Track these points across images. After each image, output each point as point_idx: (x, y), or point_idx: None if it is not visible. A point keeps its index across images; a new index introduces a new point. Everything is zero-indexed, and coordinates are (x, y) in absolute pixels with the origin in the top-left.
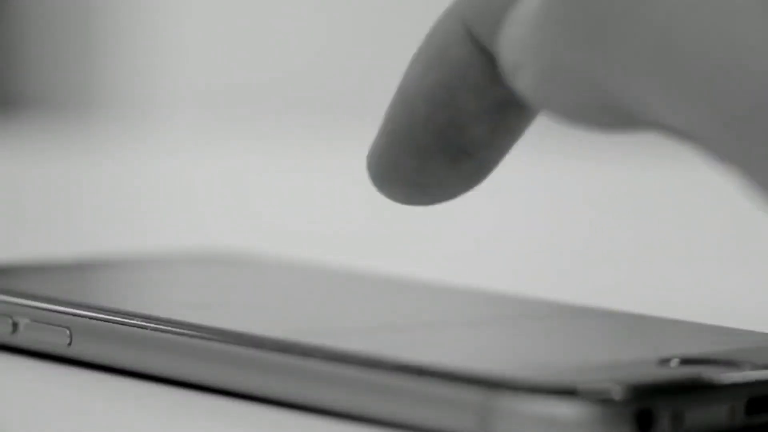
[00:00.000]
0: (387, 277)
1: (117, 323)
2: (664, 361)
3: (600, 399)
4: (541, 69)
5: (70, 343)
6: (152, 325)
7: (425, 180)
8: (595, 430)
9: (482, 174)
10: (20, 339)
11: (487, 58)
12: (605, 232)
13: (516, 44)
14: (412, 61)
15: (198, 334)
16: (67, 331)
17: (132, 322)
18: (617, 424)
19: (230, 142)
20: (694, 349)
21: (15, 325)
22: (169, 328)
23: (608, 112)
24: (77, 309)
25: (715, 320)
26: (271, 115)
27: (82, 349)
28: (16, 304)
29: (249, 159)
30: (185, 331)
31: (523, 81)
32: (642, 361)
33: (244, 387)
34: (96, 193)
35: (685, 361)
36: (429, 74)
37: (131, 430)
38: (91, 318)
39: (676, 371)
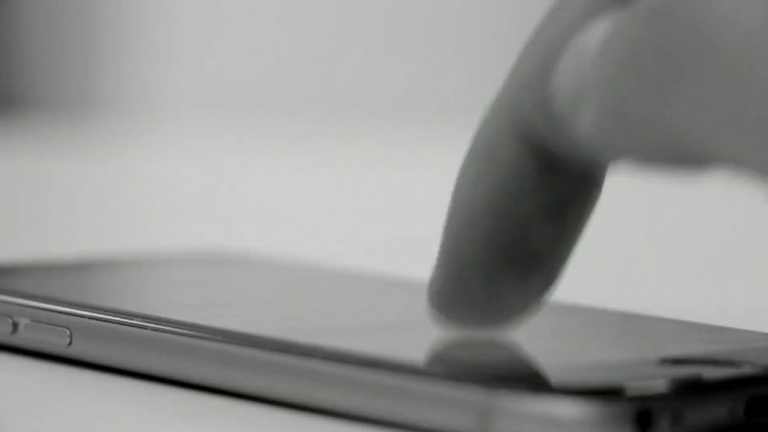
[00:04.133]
0: (386, 276)
1: (117, 323)
2: (664, 361)
3: (600, 399)
4: (605, 109)
5: (70, 343)
6: (152, 325)
7: (494, 301)
8: (595, 430)
9: (549, 285)
10: (20, 339)
11: (540, 157)
12: (605, 232)
13: (575, 82)
14: (462, 172)
15: (198, 334)
16: (67, 331)
17: (132, 322)
18: (617, 424)
19: (230, 142)
20: (694, 349)
21: (15, 325)
22: (169, 328)
23: (678, 155)
24: (77, 309)
25: (716, 320)
26: (270, 115)
27: (82, 349)
28: (16, 304)
29: (248, 159)
30: (185, 331)
31: (584, 121)
32: (642, 361)
33: (244, 387)
34: (96, 193)
35: (685, 361)
36: (483, 182)
37: (131, 430)
38: (91, 318)
39: (676, 371)
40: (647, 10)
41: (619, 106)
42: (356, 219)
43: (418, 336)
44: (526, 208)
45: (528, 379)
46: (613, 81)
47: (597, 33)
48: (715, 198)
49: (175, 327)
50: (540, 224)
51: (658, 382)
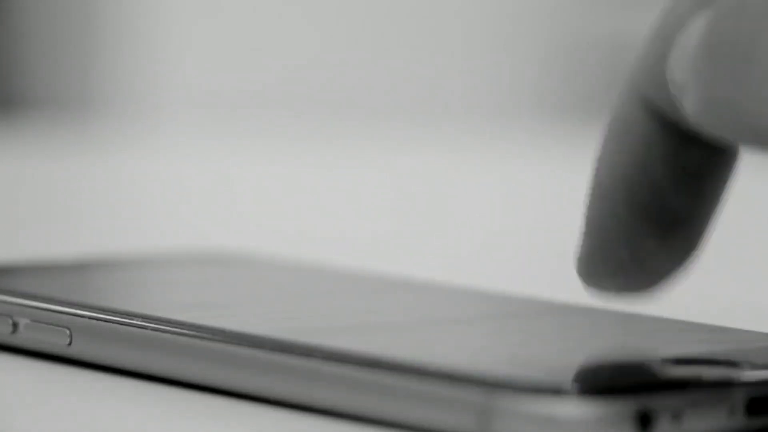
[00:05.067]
0: (385, 276)
1: (117, 323)
2: (664, 361)
3: (600, 399)
4: (701, 97)
5: (70, 343)
6: (152, 325)
7: (639, 263)
8: (595, 430)
9: (692, 249)
10: (20, 339)
11: (668, 129)
12: None
13: (681, 72)
14: (600, 150)
15: (198, 334)
16: (67, 331)
17: (132, 322)
18: (617, 424)
19: (229, 142)
20: (694, 349)
21: (15, 325)
22: (169, 328)
23: (759, 137)
24: (77, 309)
25: (715, 320)
26: (269, 115)
27: (82, 349)
28: (16, 304)
29: (248, 159)
30: (185, 331)
31: (686, 102)
32: (642, 361)
33: (244, 387)
34: (96, 192)
35: (685, 361)
36: (618, 156)
37: (131, 430)
38: (91, 318)
39: (676, 371)
40: (727, 7)
41: (711, 93)
42: (356, 219)
43: (418, 336)
44: (658, 176)
45: (528, 379)
46: (705, 71)
47: (695, 27)
48: None
49: (175, 327)
50: (674, 190)
51: (658, 382)
